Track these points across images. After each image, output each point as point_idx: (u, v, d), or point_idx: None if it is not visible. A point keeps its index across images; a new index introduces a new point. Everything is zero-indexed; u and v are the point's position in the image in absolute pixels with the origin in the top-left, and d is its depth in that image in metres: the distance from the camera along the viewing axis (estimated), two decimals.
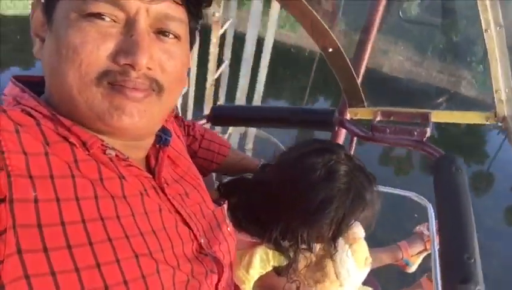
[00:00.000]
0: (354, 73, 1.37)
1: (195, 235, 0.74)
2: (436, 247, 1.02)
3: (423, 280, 1.39)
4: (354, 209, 0.98)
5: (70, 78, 0.60)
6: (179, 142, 0.94)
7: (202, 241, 0.75)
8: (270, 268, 1.04)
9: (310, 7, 1.18)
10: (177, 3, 0.64)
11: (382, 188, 1.20)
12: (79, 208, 0.56)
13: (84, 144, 0.61)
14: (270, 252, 1.03)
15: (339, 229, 1.00)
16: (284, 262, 1.03)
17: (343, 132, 1.54)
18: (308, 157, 1.00)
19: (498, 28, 1.16)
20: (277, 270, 1.05)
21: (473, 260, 0.82)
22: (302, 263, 1.05)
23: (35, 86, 0.70)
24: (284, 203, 0.98)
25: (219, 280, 0.76)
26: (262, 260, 1.03)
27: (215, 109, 1.48)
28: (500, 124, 1.21)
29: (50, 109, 0.62)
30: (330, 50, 1.28)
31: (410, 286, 1.47)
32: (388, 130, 1.28)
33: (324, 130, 1.45)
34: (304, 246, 1.02)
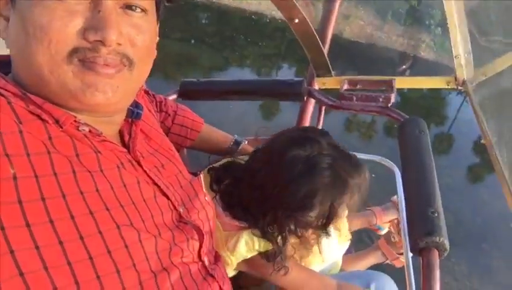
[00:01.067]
0: (320, 43, 1.40)
1: (174, 205, 0.76)
2: (404, 205, 1.08)
3: (380, 241, 1.46)
4: (341, 198, 0.98)
5: (39, 57, 0.59)
6: (150, 115, 0.94)
7: (181, 210, 0.77)
8: (255, 253, 1.03)
9: None
10: None
11: None
12: (58, 183, 0.57)
13: (57, 121, 0.62)
14: (256, 238, 1.02)
15: (328, 219, 1.00)
16: (270, 247, 1.03)
17: (312, 101, 1.58)
18: (289, 150, 0.96)
19: None
20: (263, 256, 1.03)
21: (436, 214, 0.88)
22: (289, 250, 1.05)
23: (2, 66, 0.69)
24: (268, 195, 0.97)
25: (200, 246, 0.79)
26: (247, 245, 1.03)
27: (183, 83, 1.48)
28: (460, 87, 1.27)
29: (19, 88, 0.62)
30: (296, 21, 1.30)
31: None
32: (355, 98, 1.33)
33: (293, 101, 1.48)
34: (292, 237, 1.02)
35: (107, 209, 0.61)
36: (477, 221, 4.24)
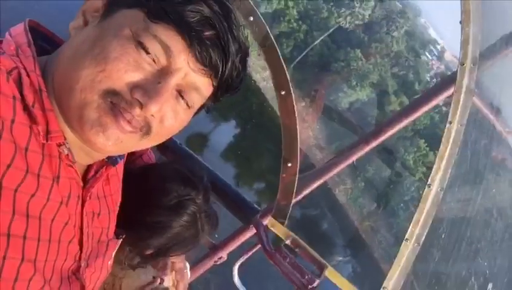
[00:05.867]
0: (294, 191, 1.42)
1: (80, 257, 0.77)
2: None
3: None
4: (184, 245, 1.04)
5: (83, 73, 0.62)
6: (122, 162, 0.94)
7: (82, 264, 0.78)
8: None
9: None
10: (211, 84, 0.70)
11: None
12: None
13: (47, 132, 0.63)
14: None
15: (160, 254, 1.04)
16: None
17: (254, 231, 1.57)
18: (170, 181, 1.01)
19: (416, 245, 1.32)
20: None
21: None
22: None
23: (46, 39, 0.73)
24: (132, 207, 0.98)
25: None
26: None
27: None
28: None
29: (42, 81, 0.63)
30: (283, 93, 1.19)
31: None
32: (288, 259, 1.35)
33: (239, 219, 1.47)
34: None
35: (24, 237, 0.61)
36: None
